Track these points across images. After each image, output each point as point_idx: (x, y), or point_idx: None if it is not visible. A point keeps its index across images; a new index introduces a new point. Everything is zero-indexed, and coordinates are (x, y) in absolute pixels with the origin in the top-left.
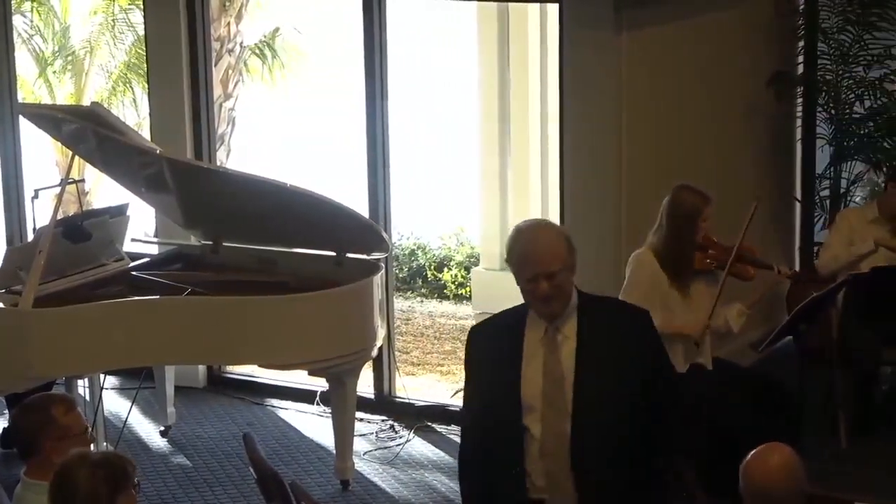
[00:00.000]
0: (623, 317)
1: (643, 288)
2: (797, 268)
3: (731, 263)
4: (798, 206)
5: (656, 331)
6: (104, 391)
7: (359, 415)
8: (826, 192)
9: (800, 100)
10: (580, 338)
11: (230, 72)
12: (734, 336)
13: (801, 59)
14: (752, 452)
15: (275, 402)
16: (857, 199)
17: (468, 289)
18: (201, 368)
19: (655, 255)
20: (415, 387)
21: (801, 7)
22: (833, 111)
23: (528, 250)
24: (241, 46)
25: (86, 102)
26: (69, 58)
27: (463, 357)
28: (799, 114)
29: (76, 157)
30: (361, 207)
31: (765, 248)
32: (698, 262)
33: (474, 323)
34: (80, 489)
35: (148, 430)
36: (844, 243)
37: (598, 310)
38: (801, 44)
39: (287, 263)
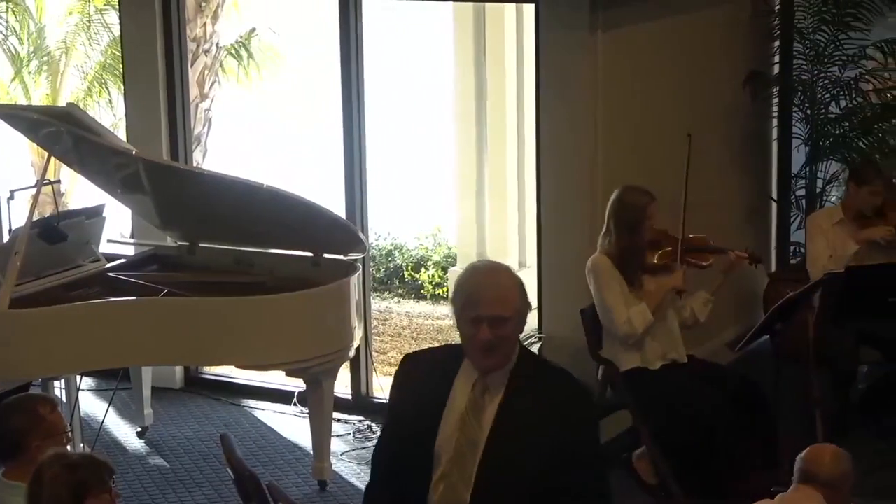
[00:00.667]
0: (561, 391)
1: (612, 282)
2: (773, 267)
3: (682, 253)
4: (774, 205)
5: (594, 414)
6: (80, 392)
7: (336, 415)
8: (802, 192)
9: (776, 100)
10: (506, 403)
11: (206, 72)
12: (702, 327)
13: (776, 59)
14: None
15: (252, 402)
16: (833, 199)
17: (445, 289)
18: (178, 369)
19: (609, 258)
20: None
21: (777, 7)
22: (808, 111)
23: (480, 289)
24: (217, 47)
25: (61, 103)
26: (45, 58)
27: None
28: (775, 113)
29: (52, 158)
30: (338, 208)
31: (741, 248)
32: (653, 258)
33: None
34: (44, 490)
35: (125, 432)
36: (825, 249)
37: (535, 375)
38: (777, 44)
39: (264, 264)
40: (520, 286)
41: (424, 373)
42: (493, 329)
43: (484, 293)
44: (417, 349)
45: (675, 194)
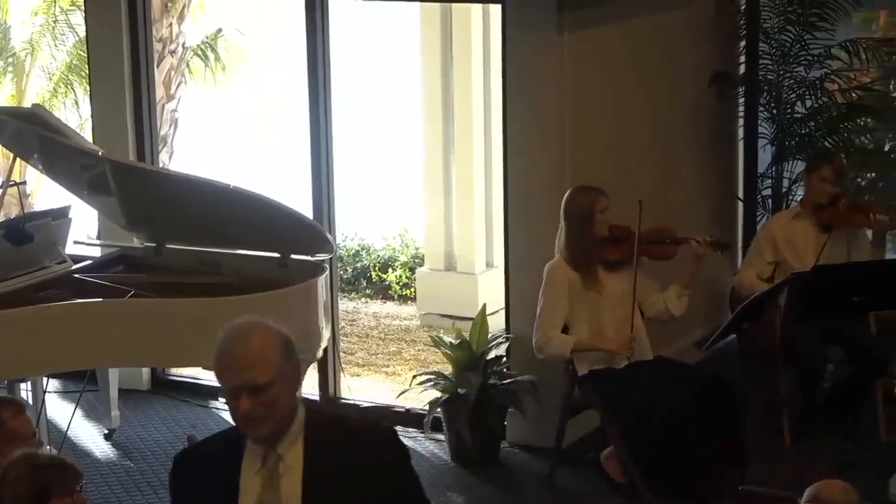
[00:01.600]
0: (361, 442)
1: (555, 295)
2: (741, 265)
3: (638, 248)
4: (740, 205)
5: (405, 456)
6: (47, 394)
7: None
8: (768, 192)
9: (741, 99)
10: (307, 468)
11: (172, 73)
12: (669, 326)
13: (742, 59)
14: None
15: (219, 403)
16: (799, 198)
17: (413, 289)
18: (145, 371)
19: (566, 261)
20: (360, 388)
21: (743, 7)
22: (774, 111)
23: (230, 356)
24: (183, 48)
25: (27, 104)
26: (10, 59)
27: (407, 358)
28: (741, 113)
29: (17, 160)
30: (305, 208)
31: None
32: (614, 252)
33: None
34: (7, 489)
35: (92, 434)
36: (762, 263)
37: (330, 432)
38: (743, 44)
39: (231, 265)
40: (279, 344)
41: (202, 471)
42: (252, 398)
43: (235, 360)
44: (188, 447)
45: (642, 193)
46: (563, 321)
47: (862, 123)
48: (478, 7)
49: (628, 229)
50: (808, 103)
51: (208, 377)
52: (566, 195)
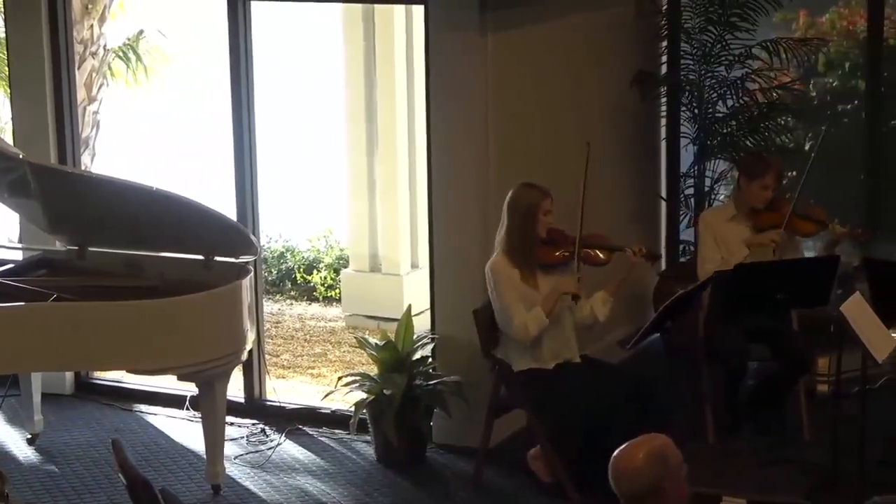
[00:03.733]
0: None
1: (508, 288)
2: (663, 266)
3: (578, 249)
4: (663, 204)
5: None
6: None
7: (229, 419)
8: (691, 191)
9: (664, 99)
10: None
11: (94, 75)
12: (601, 326)
13: (664, 59)
14: (618, 451)
15: (143, 407)
16: (721, 197)
17: (337, 291)
18: (68, 375)
19: (506, 257)
20: (285, 390)
21: (664, 8)
22: (696, 110)
23: None
24: (104, 49)
25: None
26: None
27: (333, 359)
28: (663, 113)
29: None
30: (229, 210)
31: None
32: (550, 256)
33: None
34: None
35: (14, 439)
36: (716, 252)
37: None
38: (664, 44)
39: (155, 268)
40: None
41: None
42: None
43: None
44: None
45: (569, 194)
46: (523, 307)
47: (782, 123)
48: (400, 8)
49: (563, 233)
50: (730, 103)
51: (132, 381)
52: (512, 191)
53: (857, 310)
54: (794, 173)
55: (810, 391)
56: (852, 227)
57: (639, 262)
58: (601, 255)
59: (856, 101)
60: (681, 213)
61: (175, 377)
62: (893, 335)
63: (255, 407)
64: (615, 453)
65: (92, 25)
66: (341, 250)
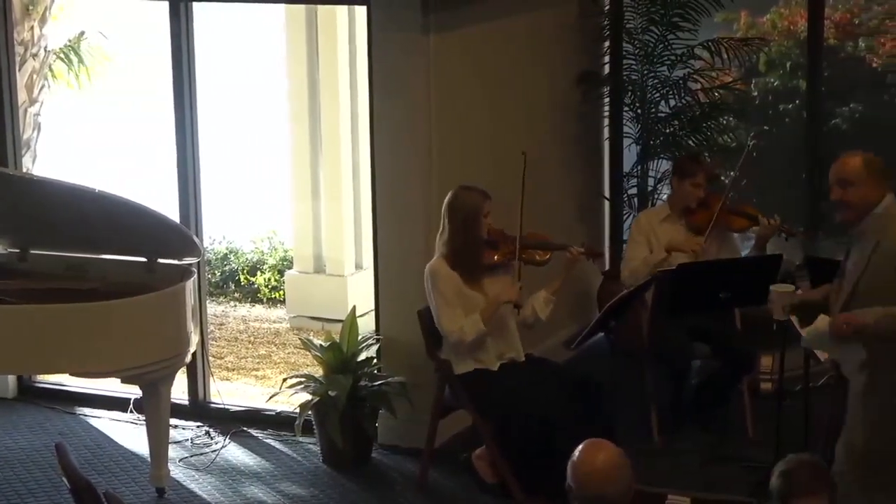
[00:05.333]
0: None
1: (448, 292)
2: (607, 266)
3: (520, 250)
4: (607, 204)
5: None
6: None
7: (173, 421)
8: (634, 190)
9: (607, 99)
10: None
11: (35, 76)
12: (544, 325)
13: (607, 59)
14: (578, 453)
15: (87, 410)
16: (664, 197)
17: (282, 292)
18: (11, 378)
19: (446, 260)
20: (230, 392)
21: (606, 8)
22: (639, 110)
23: None
24: (45, 51)
25: None
26: None
27: (277, 361)
28: (606, 113)
29: None
30: (172, 212)
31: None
32: (490, 257)
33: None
34: None
35: None
36: (643, 253)
37: None
38: (607, 44)
39: (98, 270)
40: None
41: None
42: None
43: None
44: None
45: (511, 194)
46: (461, 311)
47: (724, 122)
48: (343, 9)
49: (503, 233)
50: (672, 102)
51: (75, 384)
52: (451, 194)
53: None
54: (736, 173)
55: (754, 389)
56: (787, 223)
57: (580, 260)
58: (542, 256)
59: (797, 101)
60: (624, 212)
61: (119, 380)
62: None
63: (199, 409)
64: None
65: (32, 27)
66: (285, 251)
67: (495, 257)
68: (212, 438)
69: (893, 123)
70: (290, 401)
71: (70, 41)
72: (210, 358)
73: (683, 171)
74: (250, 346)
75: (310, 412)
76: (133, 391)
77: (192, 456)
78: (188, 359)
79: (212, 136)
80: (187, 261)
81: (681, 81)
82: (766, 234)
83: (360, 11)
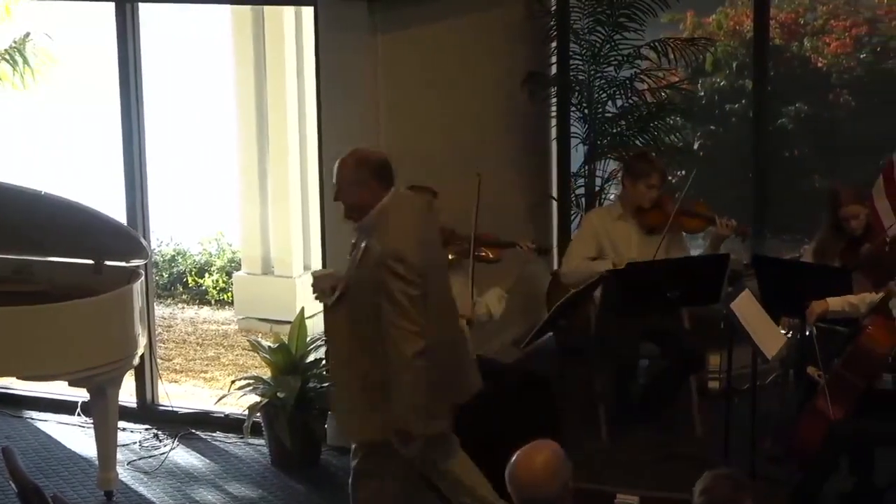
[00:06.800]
0: None
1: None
2: (556, 265)
3: (473, 248)
4: (555, 204)
5: None
6: None
7: (121, 424)
8: (581, 191)
9: (554, 100)
10: None
11: None
12: (495, 324)
13: (554, 59)
14: (517, 455)
15: (34, 413)
16: (612, 197)
17: (230, 294)
18: None
19: None
20: (178, 394)
21: (553, 9)
22: (586, 110)
23: None
24: None
25: None
26: None
27: (225, 363)
28: (553, 113)
29: None
30: (119, 214)
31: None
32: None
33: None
34: None
35: None
36: (587, 251)
37: None
38: (554, 45)
39: (44, 273)
40: None
41: None
42: None
43: None
44: None
45: (460, 193)
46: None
47: (671, 122)
48: (290, 10)
49: (454, 232)
50: (619, 103)
51: (22, 387)
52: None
53: (746, 307)
54: (683, 172)
55: (702, 388)
56: (741, 224)
57: (531, 256)
58: (493, 253)
59: (743, 101)
60: (572, 212)
61: (66, 383)
62: (782, 332)
63: (147, 412)
64: (515, 463)
65: None
66: (233, 253)
67: (448, 256)
68: (160, 441)
69: (838, 123)
70: (239, 403)
71: (15, 42)
72: (158, 360)
73: (638, 172)
74: (198, 348)
75: (258, 414)
76: (81, 394)
77: (140, 459)
78: (136, 361)
79: (159, 138)
80: (134, 263)
81: (627, 81)
82: (723, 235)
83: (308, 13)
